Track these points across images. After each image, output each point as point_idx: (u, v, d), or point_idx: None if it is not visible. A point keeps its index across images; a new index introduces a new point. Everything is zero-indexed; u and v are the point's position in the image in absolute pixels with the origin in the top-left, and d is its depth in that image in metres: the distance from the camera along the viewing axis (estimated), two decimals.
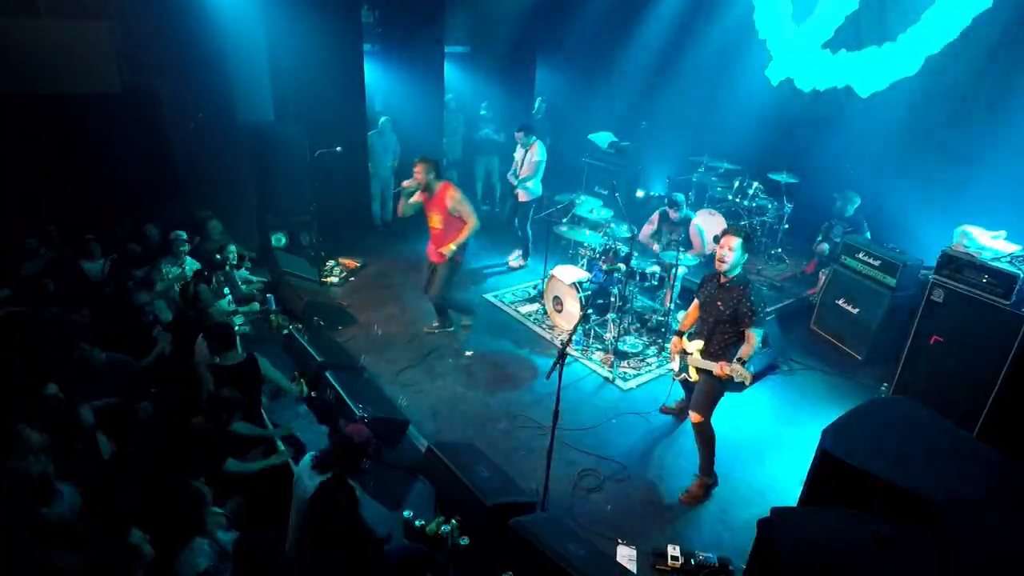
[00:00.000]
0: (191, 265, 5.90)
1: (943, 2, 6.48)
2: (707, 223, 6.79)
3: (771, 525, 2.52)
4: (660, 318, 6.08)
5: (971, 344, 4.56)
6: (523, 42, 9.54)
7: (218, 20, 6.65)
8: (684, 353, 4.15)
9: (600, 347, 5.87)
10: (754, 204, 7.66)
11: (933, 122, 6.58)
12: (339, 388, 4.53)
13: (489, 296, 6.87)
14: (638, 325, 6.18)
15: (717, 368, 3.72)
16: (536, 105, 9.75)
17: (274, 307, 6.13)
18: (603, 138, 8.79)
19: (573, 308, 5.95)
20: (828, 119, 7.58)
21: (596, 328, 6.01)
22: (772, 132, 8.03)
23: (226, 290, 5.98)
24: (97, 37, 6.17)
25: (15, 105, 5.79)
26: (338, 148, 7.08)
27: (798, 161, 7.59)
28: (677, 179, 8.39)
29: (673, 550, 3.63)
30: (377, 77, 8.70)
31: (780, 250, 7.74)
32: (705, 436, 4.07)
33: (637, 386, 5.37)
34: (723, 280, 3.89)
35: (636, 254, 5.84)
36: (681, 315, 4.53)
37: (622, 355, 5.71)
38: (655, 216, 6.38)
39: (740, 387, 3.73)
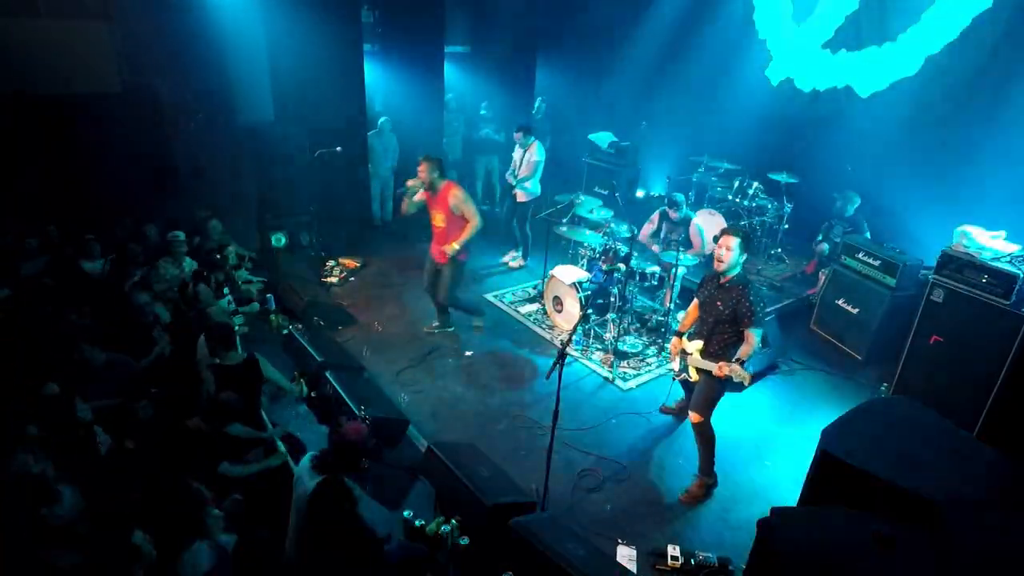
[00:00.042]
0: (189, 265, 5.90)
1: (943, 2, 6.48)
2: (707, 223, 6.79)
3: (771, 525, 2.52)
4: (660, 318, 6.08)
5: (971, 344, 4.56)
6: (523, 42, 9.55)
7: (218, 20, 6.65)
8: (684, 353, 4.15)
9: (600, 347, 5.87)
10: (754, 204, 7.66)
11: (933, 122, 6.58)
12: (339, 388, 4.53)
13: (489, 296, 6.87)
14: (638, 325, 6.18)
15: (716, 368, 3.72)
16: (536, 105, 9.75)
17: (274, 307, 6.13)
18: (603, 138, 8.79)
19: (573, 308, 5.95)
20: (828, 119, 7.58)
21: (596, 328, 6.01)
22: (772, 132, 8.03)
23: (226, 290, 5.98)
24: (97, 37, 6.18)
25: (15, 105, 5.79)
26: (338, 148, 7.09)
27: (798, 161, 7.60)
28: (677, 179, 8.40)
29: (673, 550, 3.63)
30: (377, 77, 8.70)
31: (780, 250, 7.74)
32: (705, 436, 4.07)
33: (637, 386, 5.37)
34: (723, 280, 3.89)
35: (636, 254, 5.84)
36: (681, 315, 4.53)
37: (622, 355, 5.71)
38: (655, 216, 6.39)
39: (739, 387, 3.73)
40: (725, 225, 6.97)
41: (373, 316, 6.31)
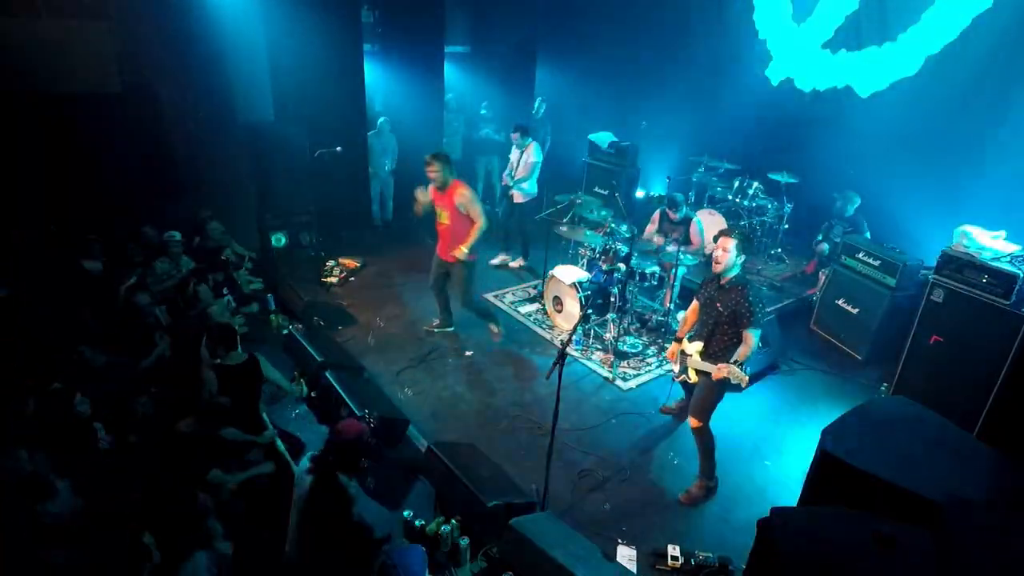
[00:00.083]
0: (186, 265, 5.90)
1: (943, 2, 6.48)
2: (707, 223, 6.80)
3: (771, 525, 2.52)
4: (660, 318, 6.08)
5: (971, 344, 4.56)
6: (523, 42, 9.55)
7: (218, 20, 6.65)
8: (683, 355, 4.15)
9: (600, 347, 5.88)
10: (754, 204, 7.66)
11: (933, 122, 6.58)
12: (339, 388, 4.53)
13: (489, 296, 6.87)
14: (638, 325, 6.19)
15: (715, 370, 3.72)
16: (536, 105, 9.75)
17: (274, 307, 6.13)
18: (603, 138, 8.79)
19: (573, 308, 5.95)
20: (828, 119, 7.57)
21: (596, 328, 6.01)
22: (772, 132, 8.02)
23: (225, 290, 5.98)
24: (97, 37, 6.17)
25: (15, 105, 5.79)
26: (338, 148, 7.09)
27: (798, 161, 7.59)
28: (677, 179, 8.39)
29: (673, 550, 3.63)
30: (377, 77, 8.70)
31: (780, 250, 7.74)
32: (704, 441, 4.06)
33: (637, 386, 5.37)
34: (723, 281, 3.89)
35: (636, 254, 5.84)
36: (681, 315, 4.53)
37: (622, 355, 5.71)
38: (655, 215, 6.39)
39: (738, 388, 3.73)
40: (725, 225, 7.01)
41: (374, 315, 6.30)
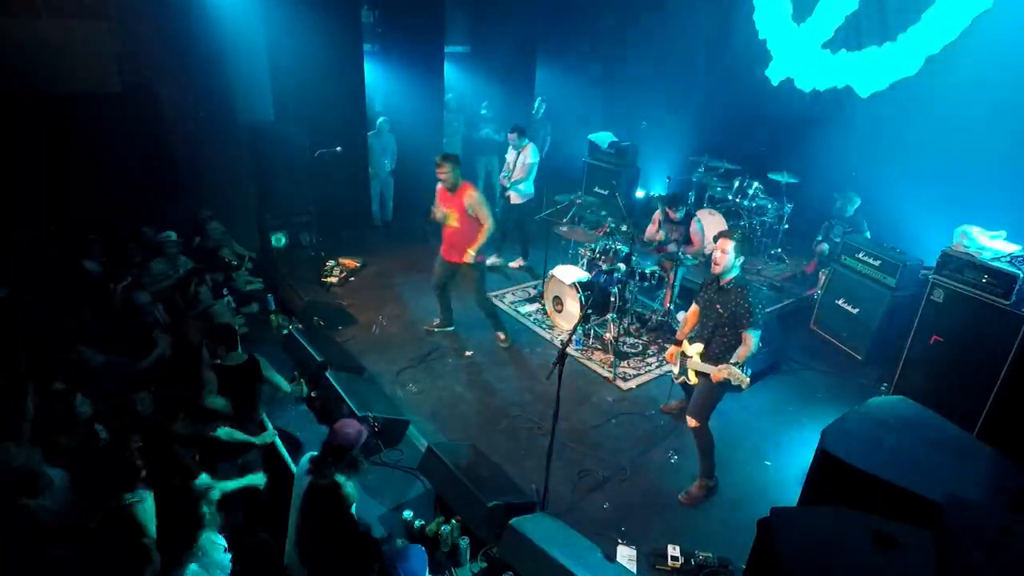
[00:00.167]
0: (184, 265, 5.90)
1: (943, 2, 6.49)
2: (707, 223, 6.79)
3: (771, 525, 2.52)
4: (660, 318, 6.08)
5: (971, 344, 4.56)
6: (523, 42, 9.54)
7: (218, 20, 6.66)
8: (683, 356, 4.14)
9: (600, 347, 5.88)
10: (754, 204, 7.66)
11: (933, 122, 6.58)
12: (339, 388, 4.53)
13: (489, 296, 6.86)
14: (638, 325, 6.18)
15: (715, 372, 3.72)
16: (536, 105, 9.75)
17: (274, 307, 6.13)
18: (603, 138, 8.79)
19: (573, 308, 5.95)
20: (828, 119, 7.58)
21: (596, 328, 6.01)
22: (772, 132, 8.03)
23: (225, 291, 5.98)
24: (97, 37, 6.17)
25: (15, 105, 5.79)
26: (338, 148, 7.09)
27: (798, 161, 7.60)
28: (677, 179, 8.39)
29: (673, 550, 3.63)
30: (377, 77, 8.70)
31: (780, 250, 7.74)
32: (703, 441, 4.06)
33: (637, 386, 5.37)
34: (723, 282, 3.89)
35: (636, 254, 5.84)
36: (681, 315, 4.53)
37: (622, 355, 5.71)
38: (656, 215, 6.39)
39: (738, 388, 3.72)
40: (725, 225, 7.02)
41: (374, 314, 6.31)
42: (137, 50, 6.44)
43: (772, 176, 7.54)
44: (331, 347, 5.37)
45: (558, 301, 6.18)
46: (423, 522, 3.64)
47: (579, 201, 6.47)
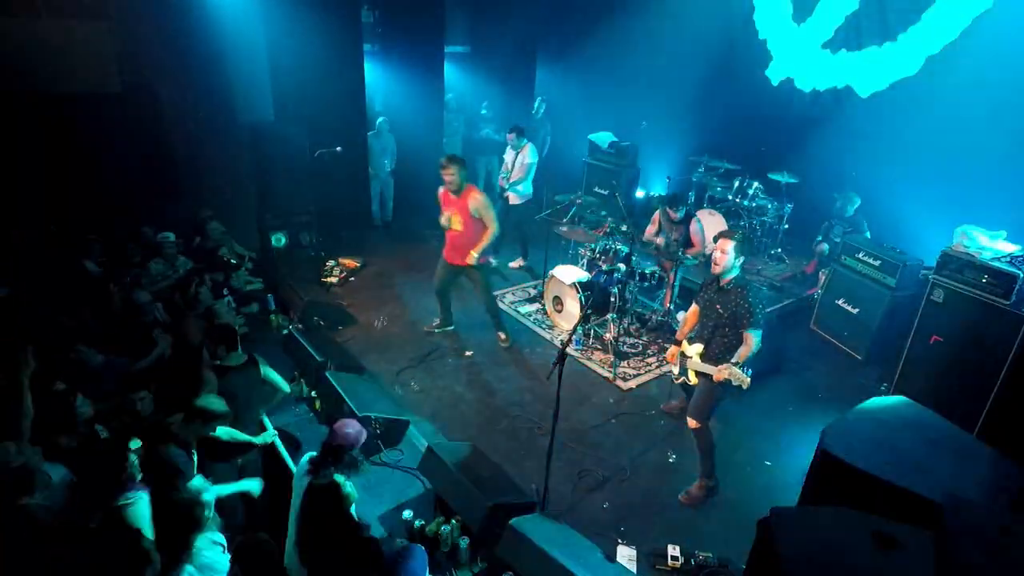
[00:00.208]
0: (183, 266, 5.90)
1: (943, 2, 6.49)
2: (707, 223, 6.79)
3: (771, 525, 2.51)
4: (660, 318, 6.07)
5: (971, 344, 4.56)
6: (523, 42, 9.55)
7: (218, 20, 6.66)
8: (683, 356, 4.14)
9: (600, 347, 5.87)
10: (754, 204, 7.66)
11: (933, 122, 6.58)
12: (339, 388, 4.53)
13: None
14: (638, 325, 6.18)
15: (715, 372, 3.72)
16: (536, 105, 9.75)
17: (274, 307, 6.13)
18: (603, 138, 8.79)
19: (573, 308, 5.95)
20: (828, 119, 7.58)
21: (596, 328, 6.01)
22: (772, 132, 8.03)
23: (225, 291, 5.98)
24: (97, 37, 6.18)
25: (15, 105, 5.79)
26: (338, 148, 7.10)
27: (798, 161, 7.60)
28: (677, 179, 8.39)
29: (673, 550, 3.63)
30: (377, 77, 8.71)
31: (780, 250, 7.74)
32: (703, 441, 4.06)
33: (637, 386, 5.37)
34: (723, 283, 3.89)
35: (636, 254, 5.84)
36: (681, 315, 4.53)
37: (622, 355, 5.71)
38: (656, 215, 6.38)
39: (739, 389, 3.72)
40: (725, 225, 7.01)
41: (374, 314, 6.31)
42: (137, 50, 6.45)
43: (772, 176, 7.54)
44: (331, 347, 5.36)
45: (558, 301, 6.18)
46: (423, 522, 3.64)
47: (579, 201, 6.47)
